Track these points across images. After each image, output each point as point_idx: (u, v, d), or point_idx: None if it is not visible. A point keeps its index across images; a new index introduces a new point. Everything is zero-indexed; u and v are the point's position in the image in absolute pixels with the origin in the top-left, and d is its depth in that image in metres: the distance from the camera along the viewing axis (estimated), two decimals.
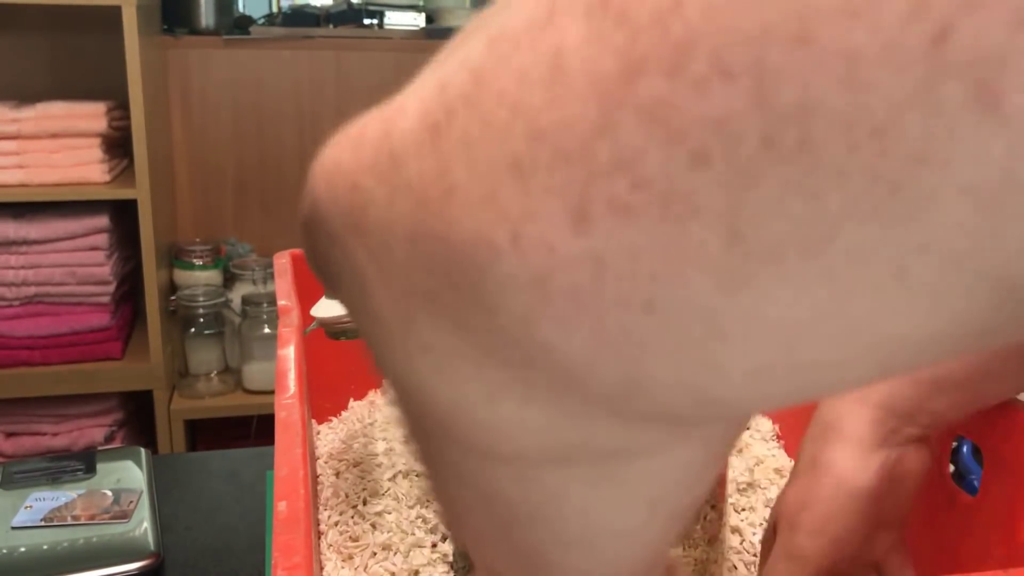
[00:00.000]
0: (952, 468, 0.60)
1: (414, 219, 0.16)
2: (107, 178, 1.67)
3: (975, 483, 0.54)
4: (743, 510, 0.66)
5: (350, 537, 0.59)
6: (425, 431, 0.21)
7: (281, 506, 0.37)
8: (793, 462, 0.70)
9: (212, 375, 1.82)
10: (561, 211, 0.14)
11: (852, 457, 0.47)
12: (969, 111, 0.12)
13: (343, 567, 0.57)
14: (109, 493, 0.77)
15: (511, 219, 0.14)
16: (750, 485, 0.69)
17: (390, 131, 0.16)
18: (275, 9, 3.15)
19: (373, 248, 0.17)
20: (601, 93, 0.14)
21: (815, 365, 0.15)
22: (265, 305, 1.78)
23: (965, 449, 0.74)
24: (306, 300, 0.63)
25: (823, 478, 0.48)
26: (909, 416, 0.48)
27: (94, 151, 1.65)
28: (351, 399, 0.81)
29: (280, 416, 0.48)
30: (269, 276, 1.88)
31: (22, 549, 0.69)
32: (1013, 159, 0.12)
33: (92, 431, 1.75)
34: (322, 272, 0.20)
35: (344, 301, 0.19)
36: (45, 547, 0.70)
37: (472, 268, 0.15)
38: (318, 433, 0.76)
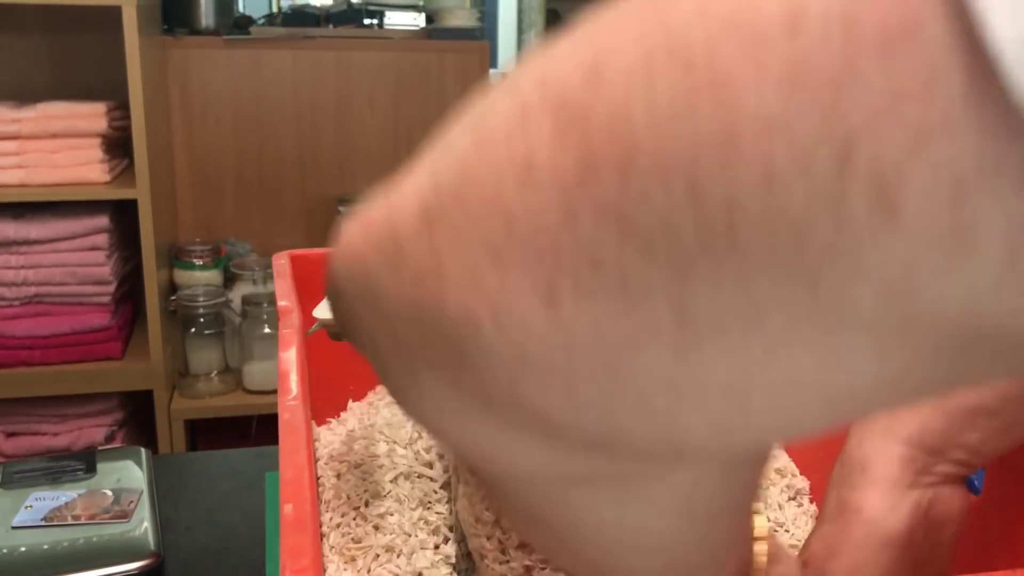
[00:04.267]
0: None
1: (413, 296, 0.18)
2: (107, 178, 1.67)
3: (977, 483, 0.54)
4: None
5: (352, 539, 0.59)
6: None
7: (287, 509, 0.37)
8: (792, 462, 0.70)
9: (212, 375, 1.81)
10: (534, 293, 0.17)
11: (882, 499, 0.44)
12: (872, 221, 0.14)
13: (346, 569, 0.57)
14: (109, 493, 0.77)
15: (492, 300, 0.17)
16: None
17: (393, 218, 0.19)
18: (275, 9, 3.15)
19: (381, 316, 0.20)
20: (563, 189, 0.16)
21: (770, 413, 0.18)
22: (265, 305, 1.78)
23: None
24: (306, 300, 0.63)
25: (852, 523, 0.44)
26: (941, 451, 0.44)
27: (94, 151, 1.65)
28: (350, 400, 0.81)
29: (284, 418, 0.48)
30: (269, 276, 1.87)
31: (22, 549, 0.69)
32: (912, 262, 0.14)
33: (92, 431, 1.75)
34: (344, 330, 0.23)
35: (365, 356, 0.22)
36: (45, 547, 0.70)
37: (461, 340, 0.18)
38: (318, 435, 0.76)
